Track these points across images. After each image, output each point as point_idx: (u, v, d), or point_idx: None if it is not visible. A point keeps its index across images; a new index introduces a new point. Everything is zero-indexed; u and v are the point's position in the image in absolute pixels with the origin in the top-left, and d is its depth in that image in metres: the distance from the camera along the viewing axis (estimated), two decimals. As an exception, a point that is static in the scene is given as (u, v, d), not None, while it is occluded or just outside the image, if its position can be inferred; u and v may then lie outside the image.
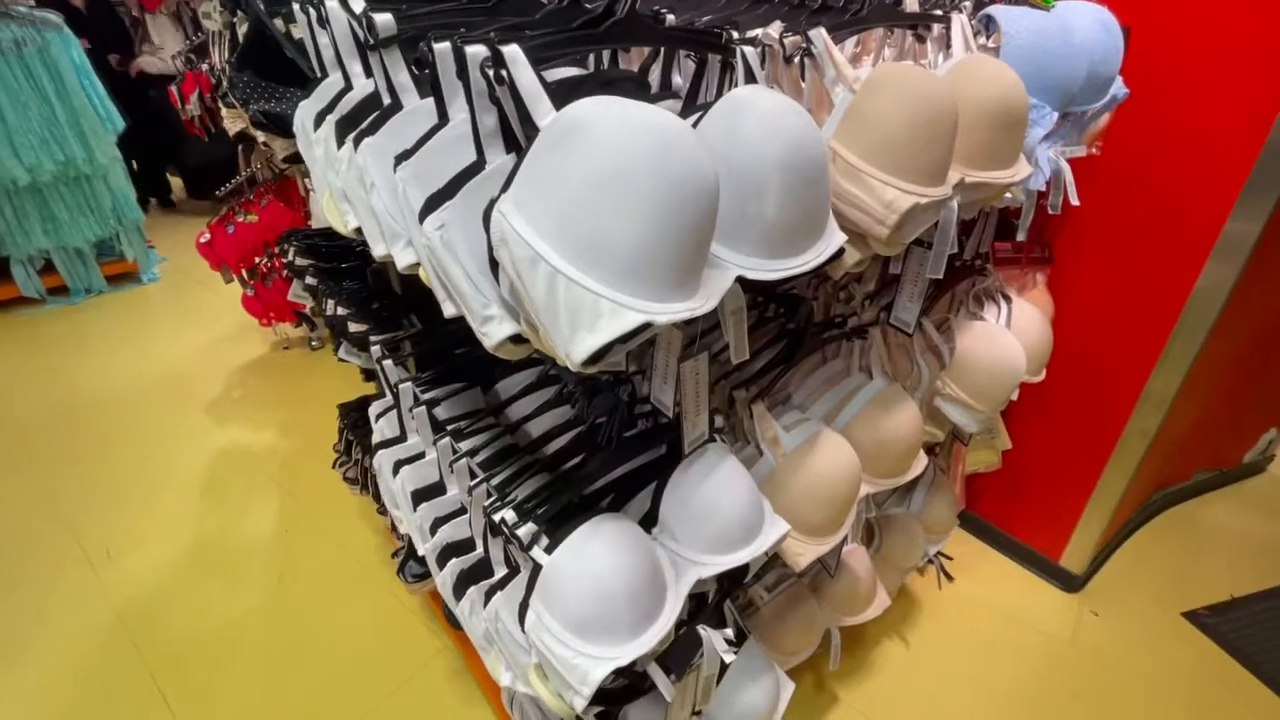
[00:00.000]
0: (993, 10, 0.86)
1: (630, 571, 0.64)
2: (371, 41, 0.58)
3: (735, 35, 0.64)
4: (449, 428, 0.85)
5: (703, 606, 0.83)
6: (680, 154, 0.45)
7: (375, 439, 1.00)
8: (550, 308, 0.44)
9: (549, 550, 0.64)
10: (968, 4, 0.87)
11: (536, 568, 0.65)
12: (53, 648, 1.49)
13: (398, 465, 0.91)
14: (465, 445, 0.83)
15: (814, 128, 0.58)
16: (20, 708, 1.37)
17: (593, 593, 0.62)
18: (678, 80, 0.74)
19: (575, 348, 0.43)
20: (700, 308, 0.50)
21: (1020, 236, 1.06)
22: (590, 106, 0.45)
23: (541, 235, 0.45)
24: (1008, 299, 1.24)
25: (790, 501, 0.86)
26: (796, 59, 0.68)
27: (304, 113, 0.73)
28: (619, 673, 0.65)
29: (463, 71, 0.49)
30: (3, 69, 2.63)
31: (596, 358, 0.45)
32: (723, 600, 0.78)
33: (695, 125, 0.57)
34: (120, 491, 1.97)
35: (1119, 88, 1.03)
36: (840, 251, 0.66)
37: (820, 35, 0.66)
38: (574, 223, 0.44)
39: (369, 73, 0.65)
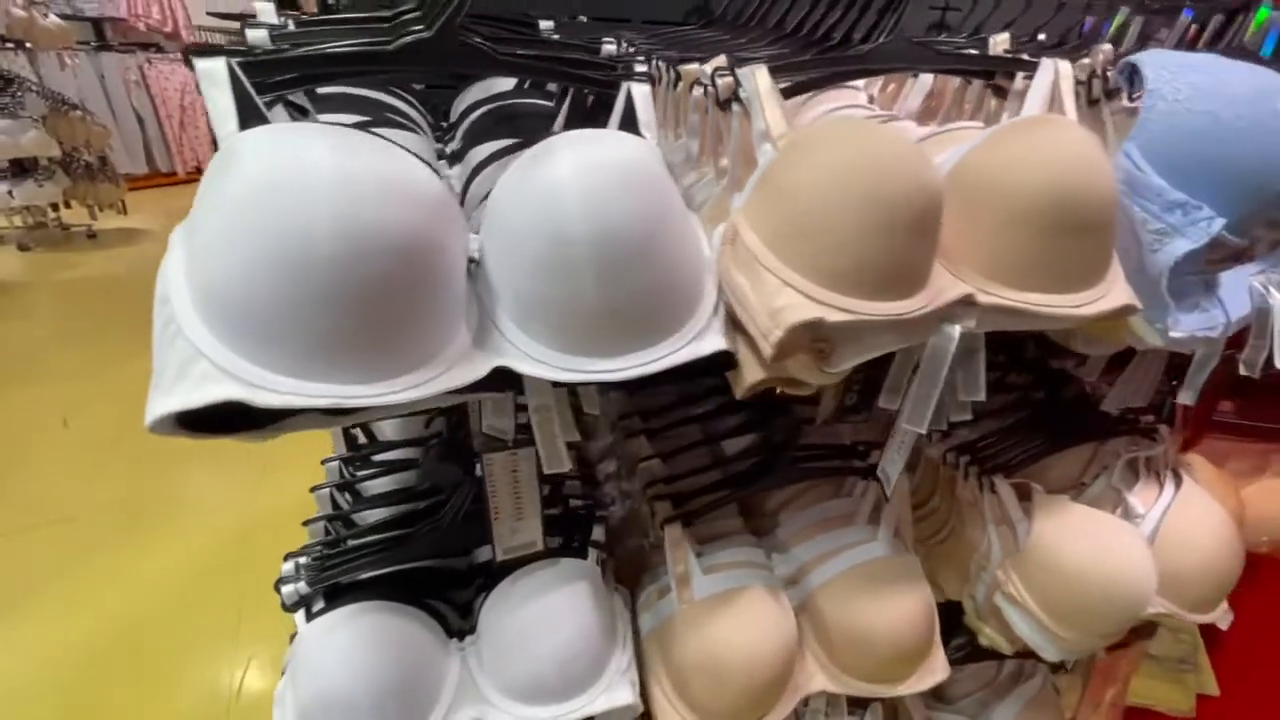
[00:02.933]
0: (1144, 59, 0.56)
1: (366, 681, 0.53)
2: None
3: (641, 65, 0.50)
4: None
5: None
6: (315, 199, 0.35)
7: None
8: (160, 354, 0.37)
9: (309, 620, 0.57)
10: (1105, 48, 0.58)
11: (294, 634, 0.58)
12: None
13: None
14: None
15: (640, 189, 0.42)
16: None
17: (316, 693, 0.53)
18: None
19: (150, 406, 0.36)
20: (377, 398, 0.38)
21: (1183, 398, 0.69)
22: (253, 134, 0.37)
23: (184, 273, 0.38)
24: (1178, 481, 0.82)
25: (679, 666, 0.66)
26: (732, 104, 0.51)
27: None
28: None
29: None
30: None
31: (194, 426, 0.37)
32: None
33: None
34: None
35: None
36: (721, 364, 0.48)
37: (757, 73, 0.49)
38: (204, 263, 0.37)
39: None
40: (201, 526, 1.89)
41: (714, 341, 0.47)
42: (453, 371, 0.42)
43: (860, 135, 0.44)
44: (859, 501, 0.78)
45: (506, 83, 0.74)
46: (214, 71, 0.40)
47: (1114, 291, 0.51)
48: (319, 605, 0.59)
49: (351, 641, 0.54)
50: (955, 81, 0.66)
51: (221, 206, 0.36)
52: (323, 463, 0.77)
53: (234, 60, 0.40)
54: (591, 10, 0.86)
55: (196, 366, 0.36)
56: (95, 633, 1.65)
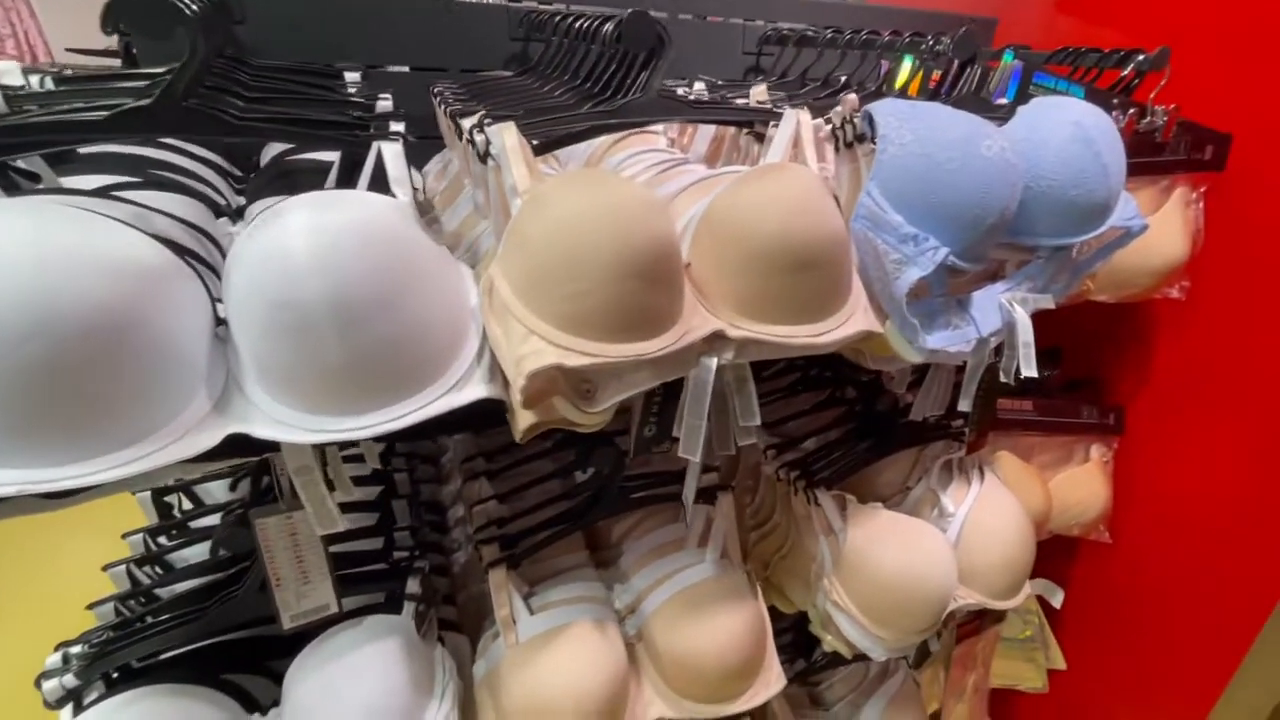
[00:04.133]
0: (877, 108, 0.63)
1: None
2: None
3: (392, 125, 0.52)
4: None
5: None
6: None
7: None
8: None
9: (75, 714, 0.53)
10: (851, 97, 0.65)
11: (64, 730, 0.53)
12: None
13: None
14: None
15: (376, 245, 0.43)
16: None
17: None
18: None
19: None
20: (74, 479, 0.37)
21: (962, 404, 0.76)
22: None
23: None
24: (981, 478, 0.90)
25: (506, 711, 0.65)
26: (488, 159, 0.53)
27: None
28: None
29: None
30: None
31: None
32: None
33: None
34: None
35: (1129, 219, 0.71)
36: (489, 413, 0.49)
37: (504, 131, 0.51)
38: None
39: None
40: (61, 603, 1.70)
41: (475, 390, 0.49)
42: (180, 442, 0.41)
43: (593, 187, 0.47)
44: (690, 525, 0.80)
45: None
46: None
47: (854, 319, 0.56)
48: (93, 695, 0.54)
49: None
50: (733, 129, 0.71)
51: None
52: (124, 536, 0.72)
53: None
54: (410, 60, 0.88)
55: None
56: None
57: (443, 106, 0.74)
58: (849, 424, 0.96)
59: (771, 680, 0.77)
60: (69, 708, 0.54)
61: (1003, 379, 0.72)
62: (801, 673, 1.16)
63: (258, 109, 0.51)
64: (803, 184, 0.52)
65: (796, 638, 1.12)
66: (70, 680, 0.54)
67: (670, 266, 0.48)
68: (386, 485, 0.80)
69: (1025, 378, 0.75)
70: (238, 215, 0.63)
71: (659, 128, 0.79)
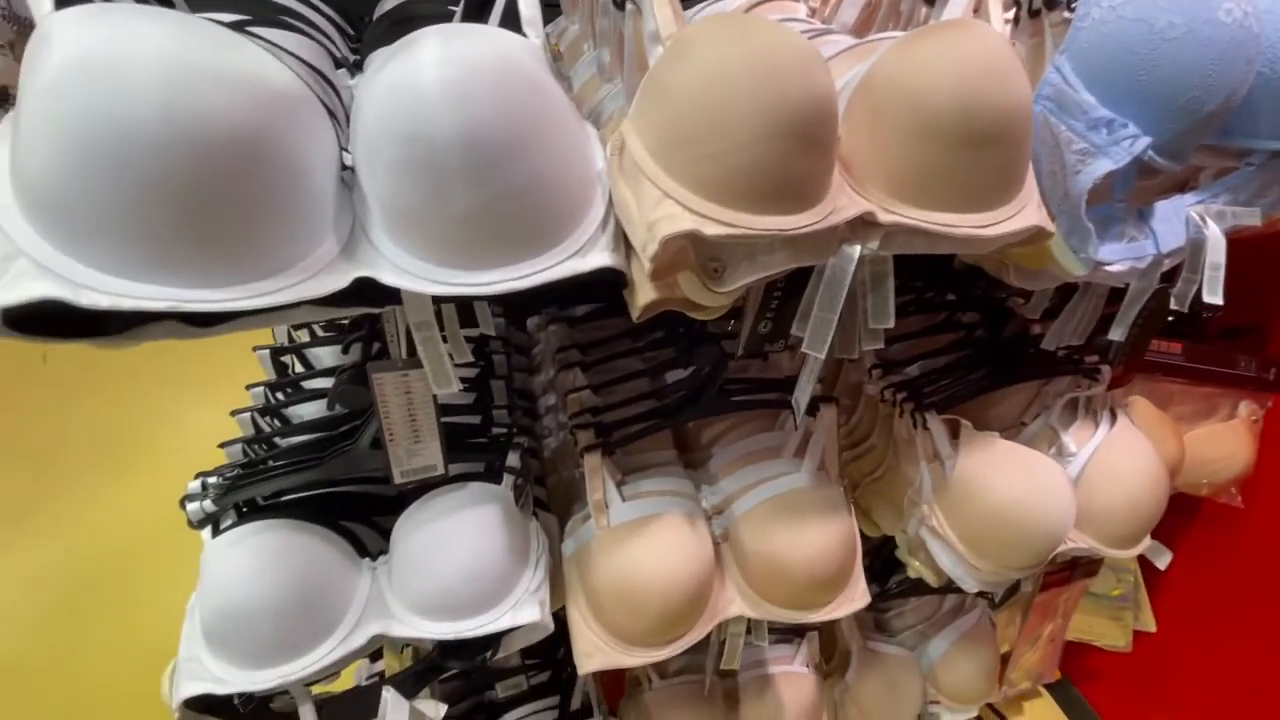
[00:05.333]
0: (1084, -39, 0.52)
1: (266, 593, 0.54)
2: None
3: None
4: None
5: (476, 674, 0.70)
6: (133, 82, 0.32)
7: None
8: None
9: (214, 536, 0.57)
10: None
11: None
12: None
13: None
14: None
15: (509, 85, 0.39)
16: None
17: (217, 605, 0.54)
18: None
19: None
20: (220, 303, 0.37)
21: (1114, 334, 0.67)
22: (68, 13, 0.34)
23: (9, 165, 0.36)
24: (1113, 420, 0.82)
25: (594, 589, 0.67)
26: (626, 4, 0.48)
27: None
28: (246, 697, 0.57)
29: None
30: None
31: (29, 328, 0.36)
32: (433, 673, 0.64)
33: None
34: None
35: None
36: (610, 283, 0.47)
37: (647, -32, 0.45)
38: (24, 153, 0.35)
39: None
40: (180, 456, 1.92)
41: (599, 258, 0.46)
42: (312, 281, 0.41)
43: (746, 32, 0.41)
44: (788, 434, 0.78)
45: (423, -12, 0.69)
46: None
47: (1025, 212, 0.48)
48: (228, 522, 0.59)
49: (252, 555, 0.55)
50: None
51: (35, 92, 0.34)
52: (247, 388, 0.76)
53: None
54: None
55: (15, 264, 0.34)
56: (77, 561, 1.70)
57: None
58: (964, 350, 0.89)
59: (856, 596, 0.75)
60: (208, 530, 0.58)
61: (1174, 306, 0.63)
62: (873, 597, 1.15)
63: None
64: (988, 43, 0.44)
65: (871, 563, 1.10)
66: (209, 505, 0.58)
67: (828, 129, 0.42)
68: (485, 364, 0.81)
69: (1176, 317, 0.65)
70: (355, 68, 0.61)
71: (799, -6, 0.69)
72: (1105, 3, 0.50)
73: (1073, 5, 0.54)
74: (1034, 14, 0.57)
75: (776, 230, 0.42)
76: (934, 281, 0.95)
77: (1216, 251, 0.59)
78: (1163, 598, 1.25)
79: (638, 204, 0.44)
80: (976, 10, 0.53)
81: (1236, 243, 0.62)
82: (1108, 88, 0.51)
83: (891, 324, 0.54)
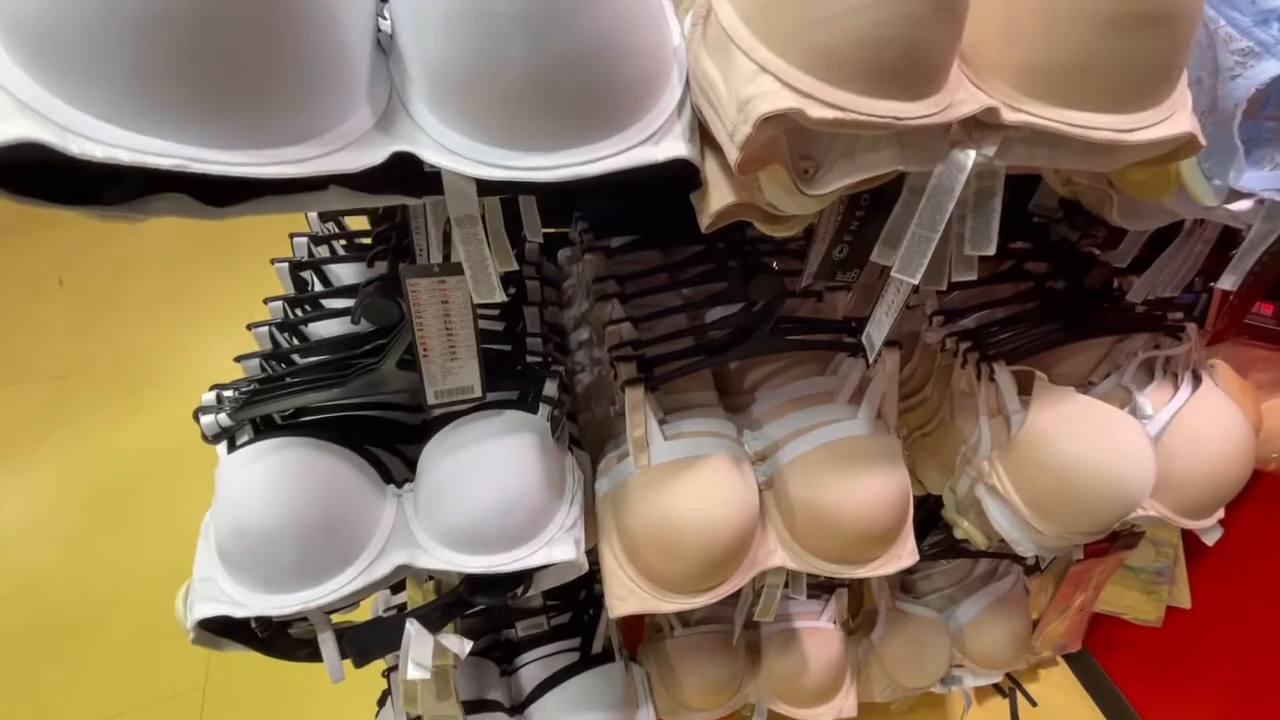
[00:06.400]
0: None
1: (288, 513, 0.50)
2: None
3: None
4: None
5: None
6: None
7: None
8: None
9: (229, 452, 0.53)
10: None
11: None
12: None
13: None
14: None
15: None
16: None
17: (234, 523, 0.50)
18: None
19: None
20: (235, 167, 0.31)
21: (1225, 283, 0.60)
22: None
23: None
24: (1196, 382, 0.75)
25: (630, 530, 0.63)
26: None
27: None
28: (263, 621, 0.54)
29: None
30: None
31: (16, 186, 0.30)
32: (459, 608, 0.60)
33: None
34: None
35: None
36: (687, 176, 0.40)
37: None
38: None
39: None
40: (198, 379, 1.90)
41: (672, 147, 0.39)
42: (343, 153, 0.35)
43: None
44: (843, 379, 0.72)
45: None
46: None
47: (1177, 116, 0.41)
48: (244, 439, 0.55)
49: (270, 472, 0.51)
50: None
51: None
52: (265, 302, 0.71)
53: None
54: None
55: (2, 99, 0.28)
56: (94, 480, 1.70)
57: None
58: (1034, 301, 0.82)
59: (904, 554, 0.71)
60: (224, 446, 0.54)
61: (1304, 251, 0.56)
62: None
63: None
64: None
65: (907, 523, 1.06)
66: (223, 419, 0.54)
67: (962, -6, 0.35)
68: (517, 290, 0.75)
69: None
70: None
71: None
72: None
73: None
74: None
75: (892, 118, 0.35)
76: (1005, 224, 0.87)
77: (1369, 187, 0.51)
78: (1202, 575, 1.20)
79: (726, 80, 0.37)
80: None
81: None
82: (1285, -27, 0.42)
83: (992, 251, 0.47)
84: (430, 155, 0.36)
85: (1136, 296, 0.72)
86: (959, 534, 0.81)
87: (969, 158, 0.41)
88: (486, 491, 0.54)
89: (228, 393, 0.57)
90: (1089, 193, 0.60)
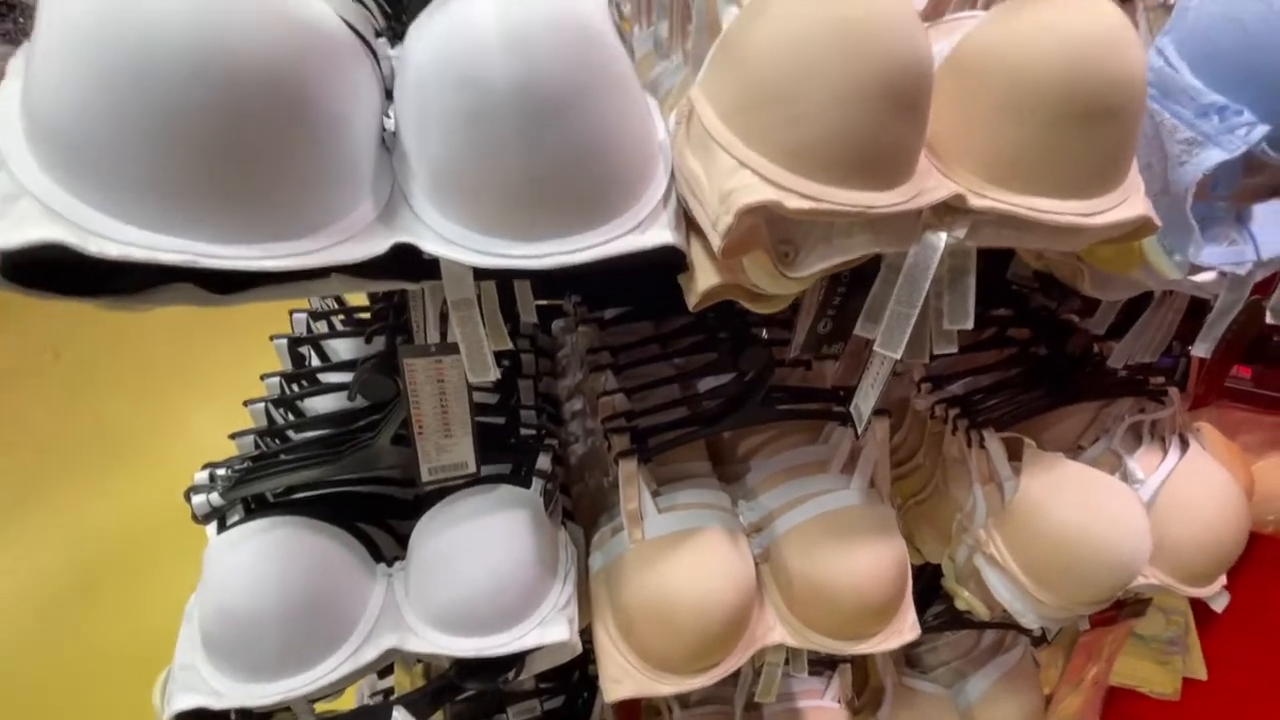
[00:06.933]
0: (1186, -60, 0.48)
1: (272, 597, 0.49)
2: None
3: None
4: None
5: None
6: (163, 7, 0.29)
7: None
8: None
9: (219, 533, 0.53)
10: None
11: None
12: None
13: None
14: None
15: (572, 34, 0.35)
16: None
17: (218, 608, 0.49)
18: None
19: None
20: (243, 261, 0.33)
21: (1199, 350, 0.62)
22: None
23: (20, 101, 0.32)
24: (1184, 446, 0.76)
25: (625, 607, 0.62)
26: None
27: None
28: (243, 713, 0.52)
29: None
30: None
31: (32, 281, 0.32)
32: (449, 693, 0.58)
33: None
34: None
35: None
36: (670, 262, 0.43)
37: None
38: (37, 85, 0.31)
39: None
40: (189, 452, 1.88)
41: (659, 234, 0.41)
42: (346, 245, 0.37)
43: (835, -17, 0.37)
44: (834, 448, 0.72)
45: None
46: None
47: (1132, 201, 0.44)
48: (235, 518, 0.54)
49: (258, 555, 0.50)
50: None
51: (57, 12, 0.30)
52: (262, 378, 0.72)
53: None
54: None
55: (18, 205, 0.30)
56: (75, 557, 1.65)
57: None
58: (1017, 367, 0.84)
59: (905, 629, 0.69)
60: (214, 526, 0.54)
61: (1270, 320, 0.58)
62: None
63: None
64: (1101, 9, 0.40)
65: (908, 592, 1.04)
66: (215, 499, 0.53)
67: (924, 93, 0.38)
68: (512, 362, 0.76)
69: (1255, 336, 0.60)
70: (395, 38, 0.57)
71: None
72: (1216, -20, 0.46)
73: (1171, -15, 0.50)
74: (1125, 0, 0.53)
75: (864, 207, 0.38)
76: (984, 296, 0.90)
77: (1321, 259, 0.54)
78: (1215, 643, 1.17)
79: (708, 174, 0.39)
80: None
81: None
82: (1217, 72, 0.46)
83: (970, 324, 0.49)
84: (430, 246, 0.38)
85: (1116, 362, 0.74)
86: (960, 605, 0.80)
87: (941, 240, 0.43)
88: (478, 570, 0.53)
89: (221, 471, 0.57)
90: (1061, 266, 0.63)
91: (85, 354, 2.37)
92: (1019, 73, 0.40)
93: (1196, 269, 0.53)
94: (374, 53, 0.48)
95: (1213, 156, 0.46)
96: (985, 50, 0.42)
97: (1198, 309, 0.69)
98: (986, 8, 0.57)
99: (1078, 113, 0.39)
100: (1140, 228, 0.44)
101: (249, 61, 0.30)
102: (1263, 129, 0.45)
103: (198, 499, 0.53)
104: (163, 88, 0.29)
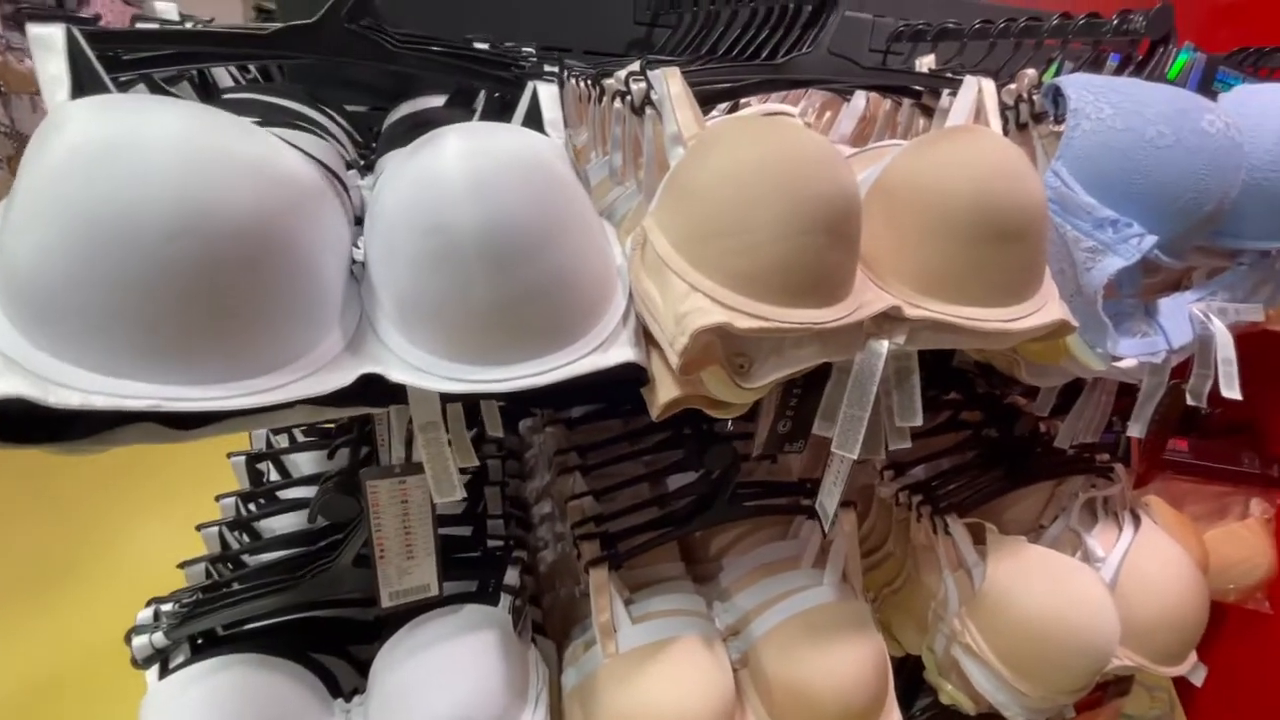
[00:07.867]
0: (1066, 81, 0.56)
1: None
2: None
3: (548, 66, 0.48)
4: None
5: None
6: (137, 164, 0.31)
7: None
8: None
9: (160, 677, 0.49)
10: (1029, 73, 0.58)
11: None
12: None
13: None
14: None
15: (533, 178, 0.39)
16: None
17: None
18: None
19: None
20: (207, 402, 0.33)
21: (1133, 431, 0.66)
22: (84, 100, 0.33)
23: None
24: (1136, 522, 0.79)
25: (599, 727, 0.58)
26: (646, 109, 0.49)
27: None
28: None
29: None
30: None
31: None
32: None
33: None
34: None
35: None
36: (629, 376, 0.44)
37: (669, 76, 0.47)
38: (10, 240, 0.32)
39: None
40: (132, 577, 1.74)
41: (620, 353, 0.43)
42: (312, 378, 0.37)
43: (769, 130, 0.41)
44: (805, 543, 0.72)
45: (435, 101, 0.72)
46: (48, 37, 0.36)
47: (1049, 306, 0.48)
48: (179, 659, 0.51)
49: (201, 704, 0.46)
50: (886, 105, 0.65)
51: (39, 175, 0.32)
52: (217, 499, 0.70)
53: (77, 28, 0.36)
54: (533, 39, 0.86)
55: (-17, 358, 0.30)
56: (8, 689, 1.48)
57: (573, 78, 0.71)
58: (972, 450, 0.87)
59: (892, 730, 0.67)
60: (155, 670, 0.50)
61: (1190, 402, 0.62)
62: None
63: (412, 47, 0.48)
64: (1000, 145, 0.46)
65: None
66: (159, 639, 0.50)
67: (854, 223, 0.42)
68: (479, 470, 0.75)
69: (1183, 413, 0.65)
70: (365, 170, 0.61)
71: (795, 110, 0.73)
72: (1094, 115, 0.53)
73: (1060, 118, 0.57)
74: (1021, 127, 0.60)
75: (809, 324, 0.41)
76: (935, 380, 0.94)
77: (1226, 347, 0.60)
78: (1203, 716, 1.16)
79: (663, 297, 0.42)
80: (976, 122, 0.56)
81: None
82: (1107, 191, 0.52)
83: (919, 421, 0.52)
84: (397, 375, 0.39)
85: (1063, 442, 0.78)
86: (944, 699, 0.78)
87: (884, 346, 0.46)
88: (442, 705, 0.50)
89: (167, 606, 0.53)
90: (998, 358, 0.67)
91: (12, 462, 2.24)
92: (937, 202, 0.45)
93: (1118, 358, 0.57)
94: (344, 186, 0.51)
95: (1114, 264, 0.51)
96: (907, 181, 0.47)
97: (1128, 388, 0.74)
98: (905, 136, 0.64)
99: (990, 235, 0.44)
100: (1058, 329, 0.48)
101: (228, 223, 0.32)
102: (1152, 239, 0.51)
103: (138, 641, 0.50)
104: (142, 247, 0.30)
